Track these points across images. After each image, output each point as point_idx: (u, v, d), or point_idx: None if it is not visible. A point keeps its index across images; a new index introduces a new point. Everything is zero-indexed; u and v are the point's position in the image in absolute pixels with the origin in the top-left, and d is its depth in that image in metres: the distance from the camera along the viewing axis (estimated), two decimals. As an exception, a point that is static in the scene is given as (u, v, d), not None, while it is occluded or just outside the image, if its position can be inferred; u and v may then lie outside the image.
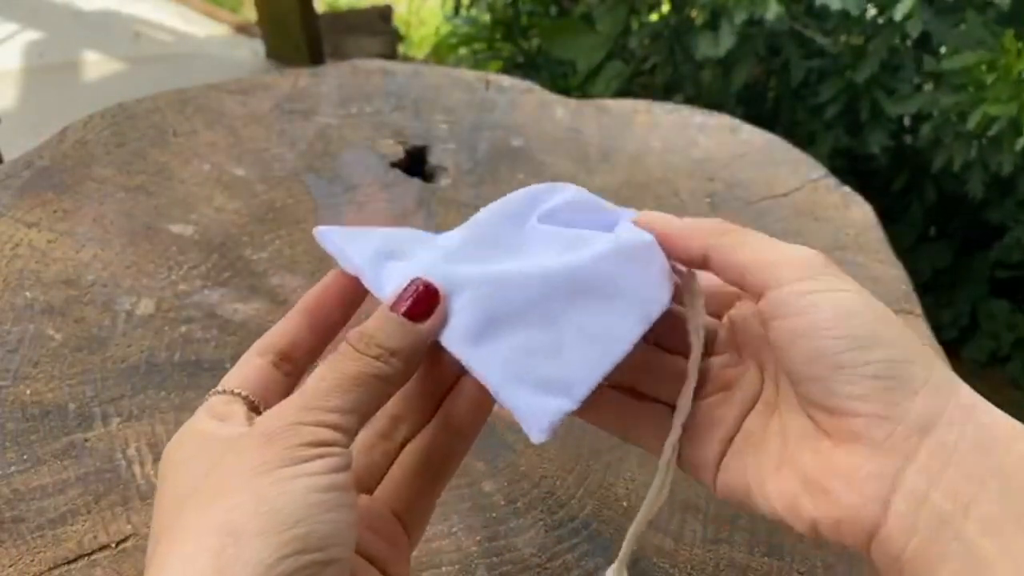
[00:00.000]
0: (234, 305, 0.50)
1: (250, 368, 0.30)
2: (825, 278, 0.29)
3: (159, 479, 0.28)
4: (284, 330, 0.32)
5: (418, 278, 0.30)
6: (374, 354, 0.28)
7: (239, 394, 0.29)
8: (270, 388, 0.30)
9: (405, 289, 0.30)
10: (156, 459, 0.42)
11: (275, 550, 0.22)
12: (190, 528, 0.23)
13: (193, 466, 0.27)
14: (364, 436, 0.32)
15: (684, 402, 0.32)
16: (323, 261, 0.54)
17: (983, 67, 1.10)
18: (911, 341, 0.28)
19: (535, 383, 0.28)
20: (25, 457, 0.41)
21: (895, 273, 0.58)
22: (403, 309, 0.29)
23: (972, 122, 1.10)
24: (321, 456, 0.25)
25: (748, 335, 0.33)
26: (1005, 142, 1.11)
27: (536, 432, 0.28)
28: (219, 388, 0.30)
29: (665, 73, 1.50)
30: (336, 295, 0.32)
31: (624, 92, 1.49)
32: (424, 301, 0.29)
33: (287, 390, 0.31)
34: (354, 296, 0.32)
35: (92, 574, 0.37)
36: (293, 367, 0.31)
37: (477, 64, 1.81)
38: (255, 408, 0.29)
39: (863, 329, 0.27)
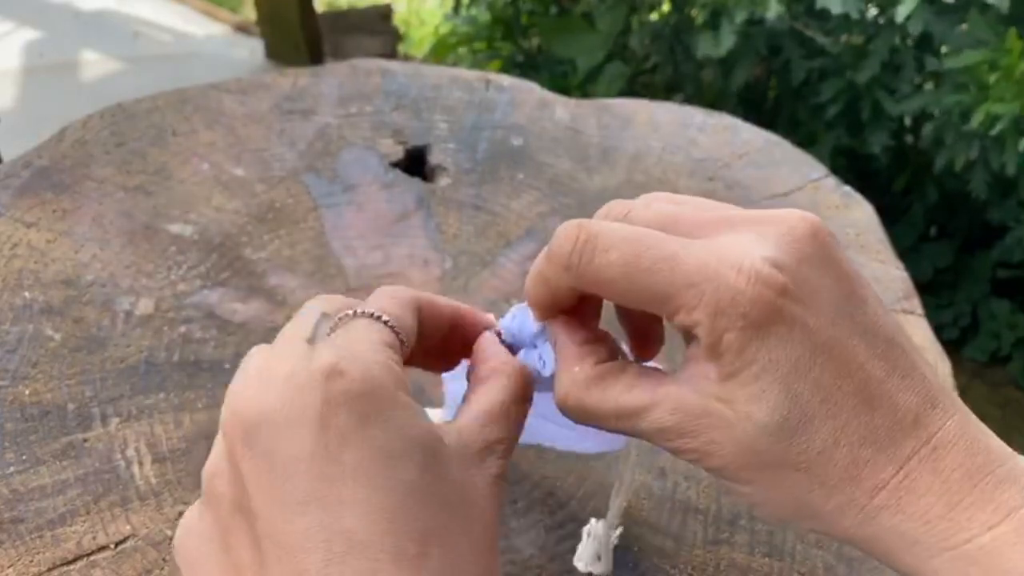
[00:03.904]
0: (233, 305, 0.50)
1: (409, 318, 0.30)
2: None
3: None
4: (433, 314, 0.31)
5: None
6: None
7: (401, 338, 0.28)
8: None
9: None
10: (155, 459, 0.42)
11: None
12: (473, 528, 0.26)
13: (411, 440, 0.25)
14: None
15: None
16: (323, 261, 0.54)
17: (985, 66, 1.10)
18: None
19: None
20: (24, 457, 0.41)
21: (896, 273, 0.58)
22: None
23: (975, 121, 1.10)
24: None
25: None
26: (1008, 141, 1.11)
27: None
28: (388, 319, 0.28)
29: (665, 73, 1.50)
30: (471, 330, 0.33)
31: (625, 92, 1.49)
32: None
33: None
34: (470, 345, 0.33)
35: (91, 575, 0.37)
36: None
37: (477, 64, 1.81)
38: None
39: None
